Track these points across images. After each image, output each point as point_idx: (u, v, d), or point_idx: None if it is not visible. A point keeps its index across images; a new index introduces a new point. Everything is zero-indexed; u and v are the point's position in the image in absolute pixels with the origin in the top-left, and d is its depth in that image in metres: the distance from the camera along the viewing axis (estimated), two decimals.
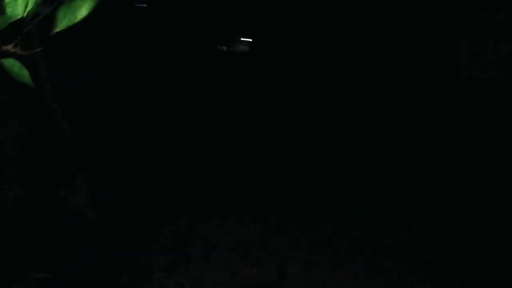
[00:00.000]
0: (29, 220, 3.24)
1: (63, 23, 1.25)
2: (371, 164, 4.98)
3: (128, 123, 5.38)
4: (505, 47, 5.17)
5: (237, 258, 3.26)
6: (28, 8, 1.18)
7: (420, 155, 5.07)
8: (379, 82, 6.51)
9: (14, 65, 1.25)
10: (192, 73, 7.30)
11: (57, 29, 1.25)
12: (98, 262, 3.11)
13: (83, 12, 1.25)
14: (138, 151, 5.02)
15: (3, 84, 2.95)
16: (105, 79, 5.30)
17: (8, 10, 1.20)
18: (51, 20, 1.25)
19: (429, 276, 3.00)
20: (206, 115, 6.66)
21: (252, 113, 6.92)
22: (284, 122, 6.53)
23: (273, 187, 4.48)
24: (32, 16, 1.21)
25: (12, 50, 1.26)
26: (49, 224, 3.34)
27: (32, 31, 1.43)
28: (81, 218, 3.49)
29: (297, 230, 3.65)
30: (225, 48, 7.81)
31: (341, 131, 6.09)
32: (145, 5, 6.59)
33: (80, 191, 3.53)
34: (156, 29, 6.81)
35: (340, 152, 5.44)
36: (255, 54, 8.39)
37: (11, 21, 1.20)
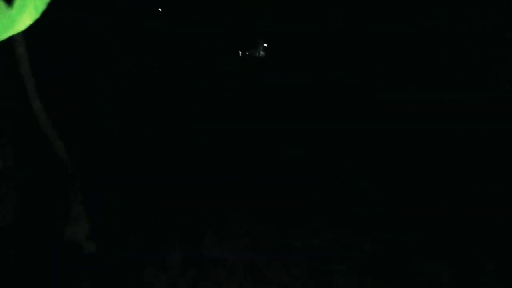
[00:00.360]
0: (22, 252, 3.02)
1: None
2: (371, 164, 4.99)
3: (128, 130, 5.37)
4: (504, 48, 5.17)
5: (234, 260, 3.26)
6: None
7: (420, 155, 5.07)
8: (379, 82, 6.51)
9: None
10: (193, 73, 7.30)
11: None
12: None
13: (25, 21, 0.89)
14: (140, 163, 4.96)
15: None
16: (103, 81, 5.29)
17: None
18: None
19: (429, 276, 3.00)
20: (207, 115, 6.66)
21: (252, 113, 6.92)
22: (284, 122, 6.53)
23: (273, 187, 4.49)
24: None
25: None
26: (44, 258, 3.08)
27: None
28: (79, 251, 3.21)
29: (296, 230, 3.65)
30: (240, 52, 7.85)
31: (341, 131, 6.09)
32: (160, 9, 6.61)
33: (78, 222, 3.24)
34: (166, 31, 6.81)
35: (340, 152, 5.44)
36: (254, 54, 8.39)
37: None
